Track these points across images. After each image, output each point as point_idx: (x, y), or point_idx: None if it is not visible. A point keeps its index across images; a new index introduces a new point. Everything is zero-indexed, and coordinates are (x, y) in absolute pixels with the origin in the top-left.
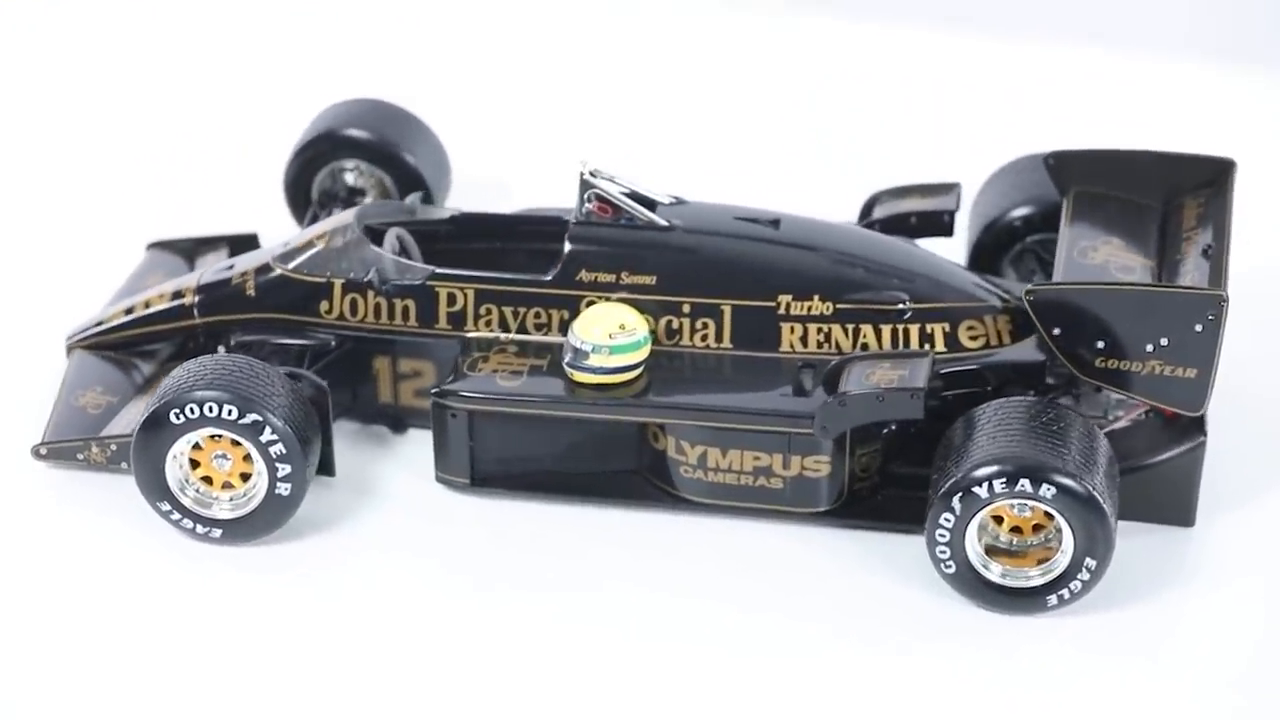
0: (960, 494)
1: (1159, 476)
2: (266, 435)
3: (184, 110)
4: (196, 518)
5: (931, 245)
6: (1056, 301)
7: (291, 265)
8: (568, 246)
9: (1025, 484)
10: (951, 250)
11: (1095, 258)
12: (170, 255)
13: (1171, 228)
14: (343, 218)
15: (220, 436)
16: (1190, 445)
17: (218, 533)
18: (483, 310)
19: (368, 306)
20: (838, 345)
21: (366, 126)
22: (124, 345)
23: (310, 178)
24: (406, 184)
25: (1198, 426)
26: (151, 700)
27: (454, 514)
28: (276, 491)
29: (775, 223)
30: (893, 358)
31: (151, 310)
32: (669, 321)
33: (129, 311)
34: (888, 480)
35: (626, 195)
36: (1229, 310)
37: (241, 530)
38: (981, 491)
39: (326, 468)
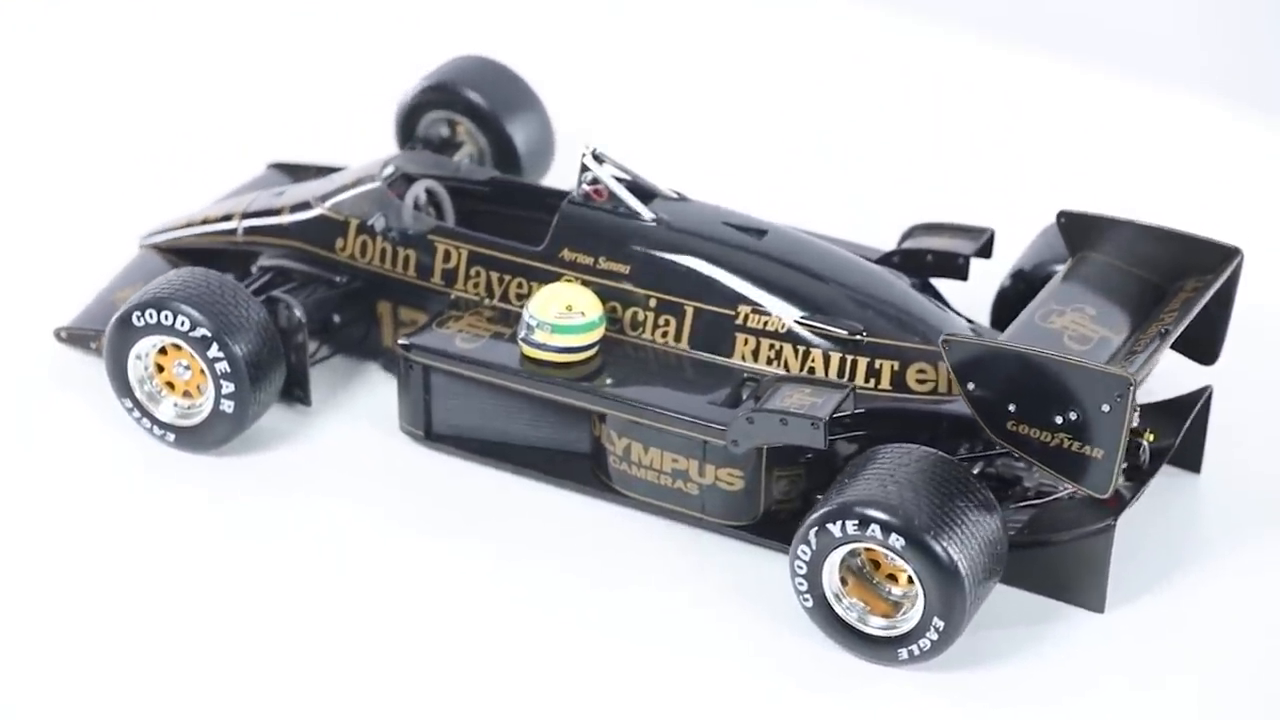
0: (816, 529)
1: (1069, 555)
2: (213, 352)
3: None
4: (152, 419)
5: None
6: (972, 356)
7: (326, 203)
8: (556, 222)
9: (875, 530)
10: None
11: (1056, 322)
12: (280, 176)
13: (1161, 307)
14: (375, 163)
15: (180, 347)
16: (1097, 528)
17: (171, 437)
18: (472, 272)
19: (375, 250)
20: (786, 364)
21: (487, 93)
22: (182, 252)
23: (419, 117)
24: (501, 157)
25: (1113, 511)
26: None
27: (398, 463)
28: (220, 408)
29: (761, 233)
30: (816, 384)
31: (208, 224)
32: (634, 313)
33: (191, 223)
34: (809, 507)
35: (625, 184)
36: (1136, 395)
37: (191, 439)
38: (835, 529)
39: (302, 397)
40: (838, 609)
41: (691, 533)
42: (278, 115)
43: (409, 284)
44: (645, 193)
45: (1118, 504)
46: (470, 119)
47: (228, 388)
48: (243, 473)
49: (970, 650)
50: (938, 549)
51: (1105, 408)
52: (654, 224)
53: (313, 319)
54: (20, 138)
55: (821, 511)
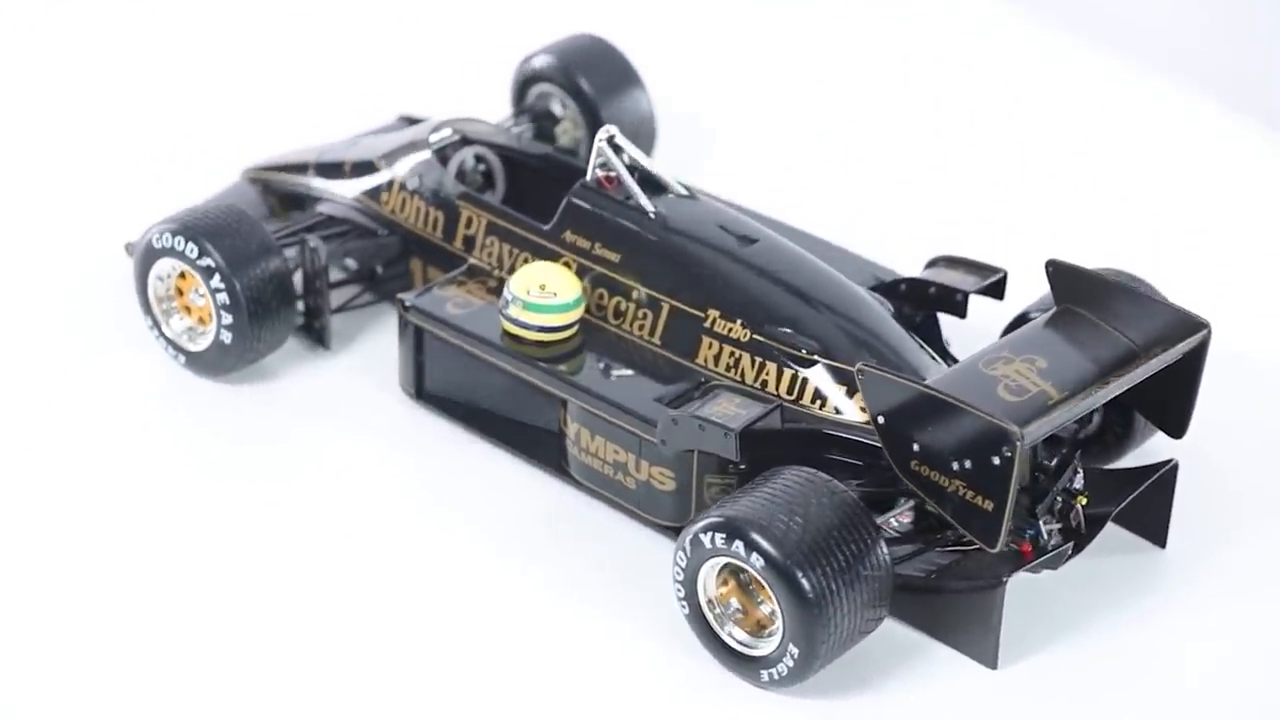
0: (691, 538)
1: (963, 606)
2: (215, 283)
3: None
4: (165, 339)
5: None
6: (883, 390)
7: (379, 157)
8: (564, 204)
9: (740, 547)
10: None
11: (998, 369)
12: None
13: (1120, 371)
14: (430, 124)
15: (190, 274)
16: (988, 583)
17: (182, 359)
18: (488, 241)
19: (411, 208)
20: (743, 373)
21: (596, 81)
22: (271, 191)
23: (530, 86)
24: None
25: (1006, 568)
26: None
27: (391, 420)
28: (220, 338)
29: (752, 241)
30: (750, 397)
31: (289, 169)
32: (619, 303)
33: (284, 163)
34: None
35: (637, 174)
36: (1023, 452)
37: (197, 364)
38: (706, 541)
39: (322, 341)
40: (710, 619)
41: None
42: (412, 69)
43: (435, 245)
44: (656, 185)
45: (1033, 562)
46: (575, 102)
47: (226, 319)
48: (241, 404)
49: (849, 682)
50: (799, 575)
51: (995, 460)
52: (650, 217)
53: (362, 267)
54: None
55: (699, 523)
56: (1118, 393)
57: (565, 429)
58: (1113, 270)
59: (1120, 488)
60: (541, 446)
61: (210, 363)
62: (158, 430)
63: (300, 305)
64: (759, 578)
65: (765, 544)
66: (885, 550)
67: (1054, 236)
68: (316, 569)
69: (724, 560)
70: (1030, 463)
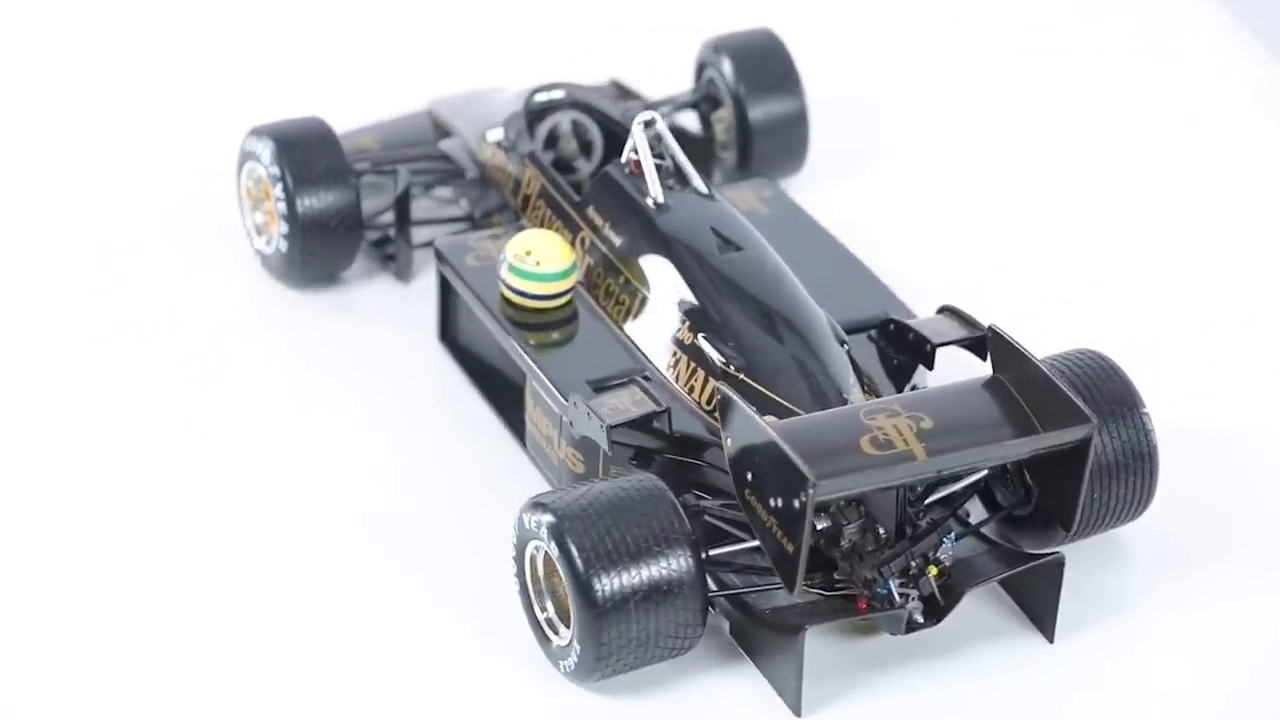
0: (519, 518)
1: (775, 647)
2: (277, 192)
3: None
4: (249, 234)
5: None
6: (733, 415)
7: (506, 108)
8: (593, 182)
9: (545, 532)
10: None
11: (875, 420)
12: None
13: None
14: (537, 86)
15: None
16: (791, 628)
17: (258, 259)
18: (537, 203)
19: (496, 160)
20: (679, 375)
21: (751, 79)
22: (437, 124)
23: (704, 70)
24: (742, 151)
25: (820, 616)
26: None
27: (404, 365)
28: (279, 247)
29: (737, 249)
30: (648, 396)
31: (459, 98)
32: (609, 285)
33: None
34: None
35: (660, 165)
36: (813, 501)
37: (267, 265)
38: (527, 521)
39: (399, 272)
40: (531, 595)
41: None
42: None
43: (502, 199)
44: (682, 177)
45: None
46: (732, 105)
47: (283, 228)
48: (302, 314)
49: (649, 690)
50: (591, 578)
51: (795, 503)
52: (653, 208)
53: (472, 208)
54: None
55: (529, 502)
56: (955, 469)
57: (525, 399)
58: (1087, 351)
59: (997, 569)
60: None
61: (276, 268)
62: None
63: (375, 234)
64: (558, 570)
65: (569, 540)
66: (694, 569)
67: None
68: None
69: (538, 543)
70: (900, 519)
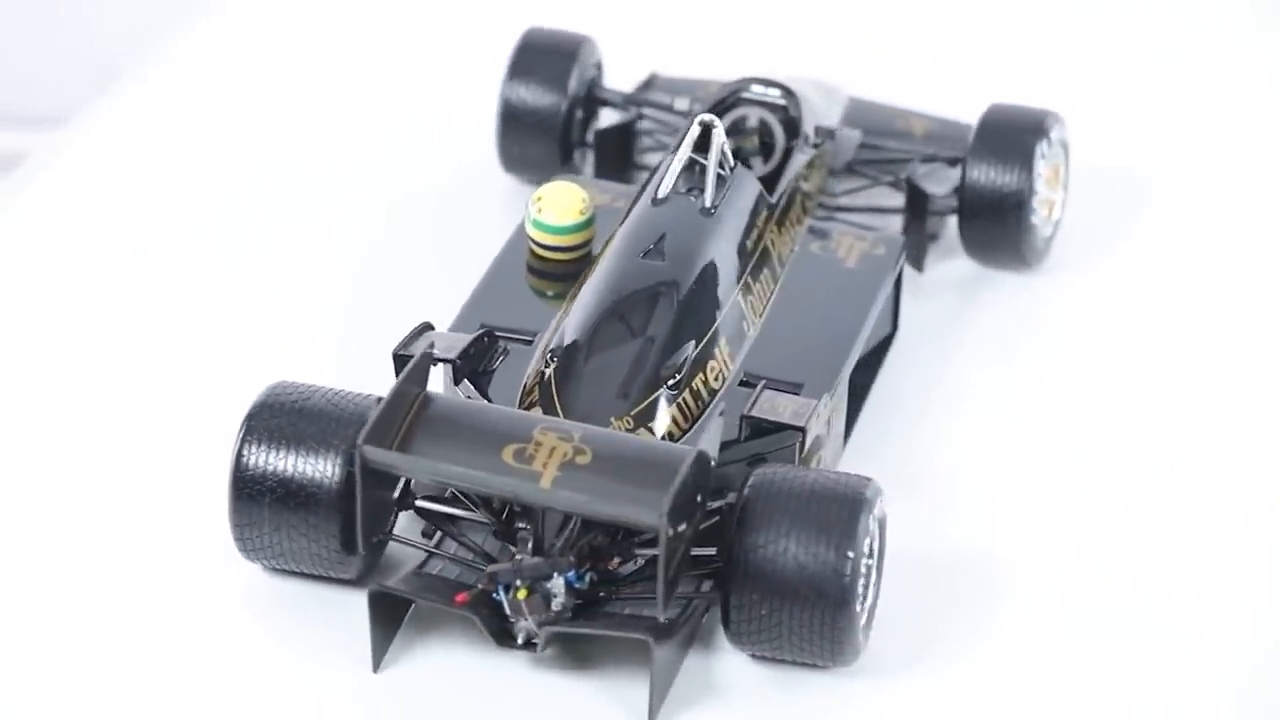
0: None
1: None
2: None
3: None
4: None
5: None
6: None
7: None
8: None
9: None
10: None
11: (539, 432)
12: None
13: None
14: (726, 84)
15: None
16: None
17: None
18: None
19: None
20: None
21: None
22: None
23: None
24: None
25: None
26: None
27: None
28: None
29: (662, 259)
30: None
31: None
32: (598, 259)
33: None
34: None
35: (689, 163)
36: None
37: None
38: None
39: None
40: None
41: None
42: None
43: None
44: (720, 180)
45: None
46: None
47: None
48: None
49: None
50: (243, 455)
51: None
52: (649, 202)
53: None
54: None
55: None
56: (568, 509)
57: None
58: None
59: (597, 626)
60: None
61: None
62: None
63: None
64: None
65: (252, 422)
66: (339, 480)
67: None
68: None
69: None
70: (540, 538)
